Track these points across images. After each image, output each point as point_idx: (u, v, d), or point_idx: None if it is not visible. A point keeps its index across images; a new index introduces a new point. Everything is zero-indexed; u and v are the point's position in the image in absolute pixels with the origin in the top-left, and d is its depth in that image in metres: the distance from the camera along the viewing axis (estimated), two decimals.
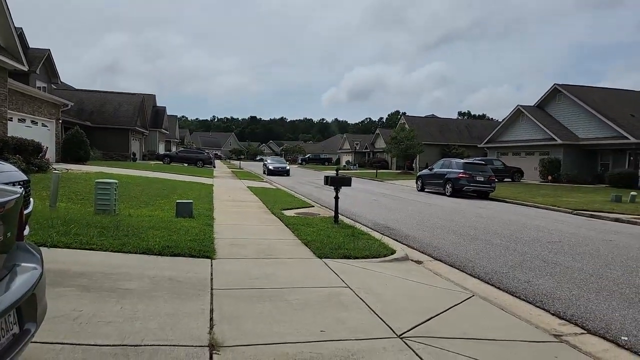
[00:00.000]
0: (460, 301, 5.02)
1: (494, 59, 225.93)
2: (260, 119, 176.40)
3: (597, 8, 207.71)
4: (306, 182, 27.28)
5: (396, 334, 3.82)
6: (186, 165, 37.66)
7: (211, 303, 4.25)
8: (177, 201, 9.52)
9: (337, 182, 9.48)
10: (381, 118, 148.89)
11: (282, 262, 6.12)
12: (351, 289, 5.03)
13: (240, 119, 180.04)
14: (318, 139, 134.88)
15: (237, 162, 62.13)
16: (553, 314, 4.91)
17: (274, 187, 20.86)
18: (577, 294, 5.61)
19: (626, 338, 4.20)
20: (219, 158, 79.41)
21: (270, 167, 35.58)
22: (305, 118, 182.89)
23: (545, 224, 12.21)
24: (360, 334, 3.74)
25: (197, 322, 3.73)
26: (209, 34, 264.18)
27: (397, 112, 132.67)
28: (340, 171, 10.70)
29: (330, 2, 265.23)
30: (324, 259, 6.41)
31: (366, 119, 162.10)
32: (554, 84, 33.91)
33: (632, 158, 27.96)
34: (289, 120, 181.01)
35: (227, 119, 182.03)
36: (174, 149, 58.11)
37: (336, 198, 9.71)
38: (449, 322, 4.26)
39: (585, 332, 4.42)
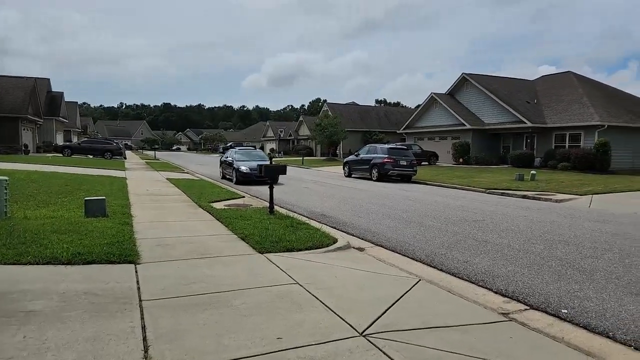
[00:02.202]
0: (410, 287, 4.94)
1: (408, 49, 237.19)
2: (176, 105, 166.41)
3: (497, 4, 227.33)
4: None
5: (358, 332, 3.57)
6: (91, 157, 34.20)
7: (142, 318, 3.64)
8: (86, 198, 8.35)
9: (273, 171, 9.03)
10: (303, 105, 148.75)
11: (220, 261, 5.58)
12: (301, 286, 4.69)
13: (152, 105, 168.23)
14: (239, 126, 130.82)
15: (151, 153, 58.09)
16: (496, 292, 5.03)
17: (198, 178, 19.68)
18: (512, 270, 5.85)
19: (566, 311, 4.41)
20: (130, 148, 73.73)
21: (243, 168, 17.60)
22: (225, 105, 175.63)
23: (466, 203, 12.92)
24: (321, 337, 3.43)
25: (127, 345, 3.13)
26: (113, 10, 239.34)
27: (319, 99, 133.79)
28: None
29: None
30: (265, 254, 5.99)
31: (288, 106, 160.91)
32: (462, 74, 36.31)
33: (529, 140, 31.07)
34: (207, 107, 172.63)
35: (138, 105, 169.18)
36: (75, 139, 52.30)
37: (271, 187, 9.26)
38: (405, 312, 4.12)
39: (529, 307, 4.57)
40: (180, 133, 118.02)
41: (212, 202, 11.08)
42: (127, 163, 30.85)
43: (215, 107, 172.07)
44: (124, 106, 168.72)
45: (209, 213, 9.32)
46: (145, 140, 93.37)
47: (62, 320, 3.49)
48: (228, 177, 19.24)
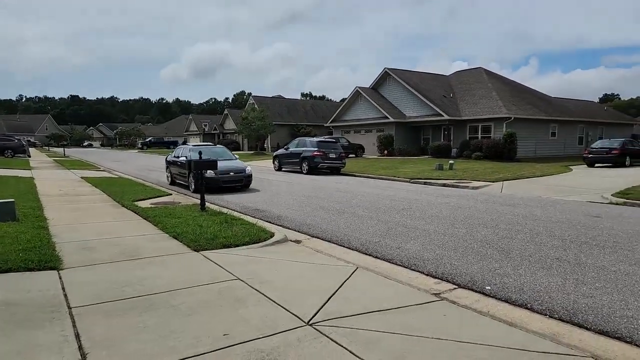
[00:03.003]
0: (349, 275, 5.09)
1: (332, 42, 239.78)
2: (85, 98, 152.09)
3: (415, 2, 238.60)
4: (154, 169, 24.86)
5: (305, 322, 3.62)
6: None
7: (74, 327, 3.38)
8: None
9: (202, 166, 8.72)
10: (227, 98, 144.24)
11: (153, 262, 5.31)
12: (242, 281, 4.63)
13: (57, 98, 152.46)
14: (158, 120, 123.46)
15: (59, 150, 52.98)
16: (427, 275, 5.37)
17: (117, 176, 18.38)
18: (440, 253, 6.28)
19: (489, 287, 4.84)
20: (34, 145, 66.67)
21: (209, 172, 12.04)
22: (142, 97, 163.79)
23: (393, 193, 13.56)
24: (268, 330, 3.43)
25: (61, 355, 2.90)
26: None
27: (243, 92, 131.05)
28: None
29: None
30: (201, 252, 5.80)
31: (211, 99, 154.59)
32: (385, 69, 37.76)
33: (446, 132, 33.30)
34: (121, 99, 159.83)
35: (40, 98, 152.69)
36: None
37: (201, 183, 8.96)
38: (347, 299, 4.26)
39: (457, 287, 4.94)
40: (91, 128, 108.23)
41: (137, 200, 10.45)
42: (32, 161, 27.89)
43: (130, 99, 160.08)
44: (23, 99, 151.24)
45: (135, 212, 8.78)
46: (51, 136, 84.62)
47: None
48: (181, 182, 14.44)
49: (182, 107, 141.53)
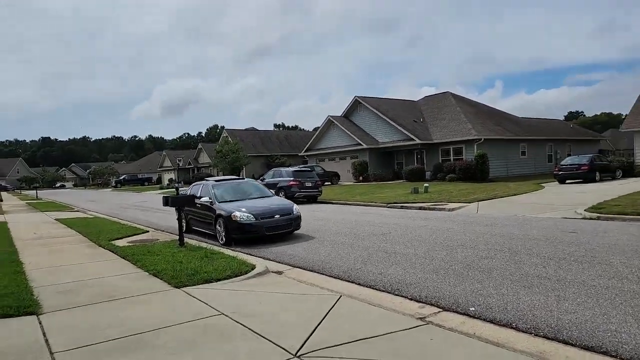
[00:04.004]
0: (333, 304, 5.07)
1: (301, 73, 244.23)
2: (56, 139, 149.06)
3: (378, 31, 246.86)
4: (129, 206, 24.29)
5: (292, 354, 3.58)
6: None
7: None
8: None
9: (180, 202, 8.61)
10: (200, 132, 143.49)
11: (134, 302, 5.15)
12: (226, 316, 4.54)
13: (28, 141, 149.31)
14: (132, 157, 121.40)
15: (32, 192, 51.22)
16: (411, 299, 5.39)
17: (92, 216, 17.86)
18: (422, 276, 6.32)
19: (473, 308, 4.89)
20: (5, 189, 64.51)
21: (239, 215, 9.56)
22: (114, 136, 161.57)
23: (372, 218, 13.65)
24: None
25: None
26: None
27: (216, 125, 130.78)
28: (163, 190, 9.84)
29: (131, 3, 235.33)
30: (183, 289, 5.67)
31: (185, 134, 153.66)
32: (355, 97, 38.72)
33: (419, 156, 34.07)
34: (93, 139, 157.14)
35: (11, 141, 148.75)
36: None
37: (179, 219, 8.82)
38: (333, 328, 4.23)
39: (441, 309, 4.97)
40: (64, 169, 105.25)
41: (114, 239, 10.20)
42: (4, 205, 26.91)
43: (102, 138, 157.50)
44: None
45: (112, 252, 8.55)
46: (22, 179, 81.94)
47: None
48: (204, 230, 10.95)
49: (156, 144, 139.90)
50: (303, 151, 42.94)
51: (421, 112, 37.61)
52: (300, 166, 28.76)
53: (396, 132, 33.97)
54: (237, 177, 13.61)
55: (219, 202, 10.18)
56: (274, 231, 9.62)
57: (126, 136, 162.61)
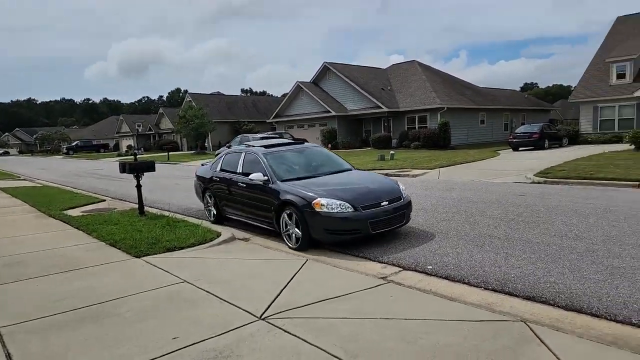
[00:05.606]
0: (299, 268, 5.16)
1: (269, 38, 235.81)
2: None
3: None
4: (83, 174, 23.33)
5: (257, 317, 3.64)
6: None
7: (4, 347, 3.15)
8: None
9: (139, 169, 8.35)
10: (161, 96, 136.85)
11: (90, 273, 5.04)
12: (190, 283, 4.54)
13: None
14: (85, 122, 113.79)
15: None
16: (374, 261, 5.56)
17: (41, 185, 17.03)
18: (388, 239, 6.50)
19: (431, 267, 5.12)
20: None
21: (334, 203, 5.89)
22: (64, 98, 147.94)
23: None
24: (220, 329, 3.41)
25: None
26: None
27: (179, 89, 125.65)
28: (121, 157, 9.43)
29: None
30: (143, 258, 5.59)
31: (144, 97, 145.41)
32: (324, 63, 38.08)
33: (386, 124, 34.37)
34: (40, 101, 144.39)
35: None
36: None
37: (138, 187, 8.57)
38: (298, 291, 4.32)
39: (402, 269, 5.18)
40: (7, 134, 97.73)
41: (66, 209, 9.79)
42: None
43: (51, 101, 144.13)
44: None
45: (65, 222, 8.23)
46: None
47: None
48: (251, 221, 7.33)
49: (112, 108, 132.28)
50: (271, 118, 42.28)
51: (389, 80, 37.64)
52: (269, 133, 28.42)
53: (364, 99, 33.96)
54: (295, 141, 9.05)
55: (282, 182, 6.60)
56: (384, 227, 6.14)
57: (78, 99, 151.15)
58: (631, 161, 13.75)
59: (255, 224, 7.22)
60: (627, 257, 4.99)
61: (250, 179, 6.86)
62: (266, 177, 6.72)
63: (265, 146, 7.73)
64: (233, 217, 7.79)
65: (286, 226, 6.33)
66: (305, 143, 8.54)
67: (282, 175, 6.79)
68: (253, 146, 7.91)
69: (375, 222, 5.99)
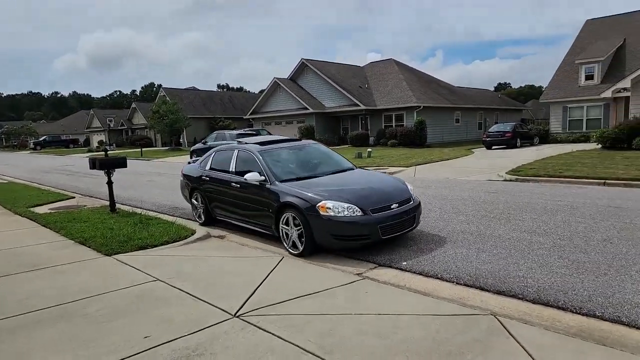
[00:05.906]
0: (275, 265, 5.14)
1: (246, 33, 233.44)
2: None
3: None
4: (52, 170, 22.56)
5: (232, 314, 3.60)
6: None
7: None
8: None
9: (109, 164, 8.12)
10: (134, 91, 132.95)
11: (58, 271, 4.88)
12: (163, 282, 4.46)
13: None
14: (53, 117, 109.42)
15: None
16: (350, 258, 5.57)
17: (6, 181, 16.39)
18: None
19: (405, 263, 5.19)
20: None
21: (342, 206, 5.43)
22: (31, 92, 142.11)
23: None
24: (194, 327, 3.36)
25: None
26: None
27: (153, 84, 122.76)
28: (92, 153, 9.16)
29: None
30: (114, 256, 5.45)
31: (116, 91, 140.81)
32: (302, 59, 37.99)
33: (363, 122, 34.58)
34: (5, 94, 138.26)
35: None
36: None
37: (109, 183, 8.35)
38: (273, 288, 4.30)
39: (377, 266, 5.22)
40: None
41: (33, 206, 9.47)
42: None
43: (16, 94, 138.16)
44: None
45: (32, 220, 7.95)
46: None
47: None
48: (245, 224, 6.83)
49: (82, 102, 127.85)
50: (248, 114, 41.87)
51: (366, 78, 37.87)
52: (246, 129, 28.17)
53: (342, 97, 34.05)
54: (287, 138, 7.96)
55: (281, 182, 6.11)
56: (395, 232, 5.70)
57: (45, 92, 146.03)
58: (597, 160, 14.29)
59: (250, 227, 6.67)
60: (592, 252, 5.19)
61: (245, 179, 6.36)
62: (263, 177, 6.21)
63: (261, 143, 7.18)
64: (225, 220, 7.27)
65: (286, 230, 5.80)
66: (304, 140, 8.05)
67: (280, 175, 6.27)
68: (246, 143, 7.29)
69: (386, 227, 5.51)
